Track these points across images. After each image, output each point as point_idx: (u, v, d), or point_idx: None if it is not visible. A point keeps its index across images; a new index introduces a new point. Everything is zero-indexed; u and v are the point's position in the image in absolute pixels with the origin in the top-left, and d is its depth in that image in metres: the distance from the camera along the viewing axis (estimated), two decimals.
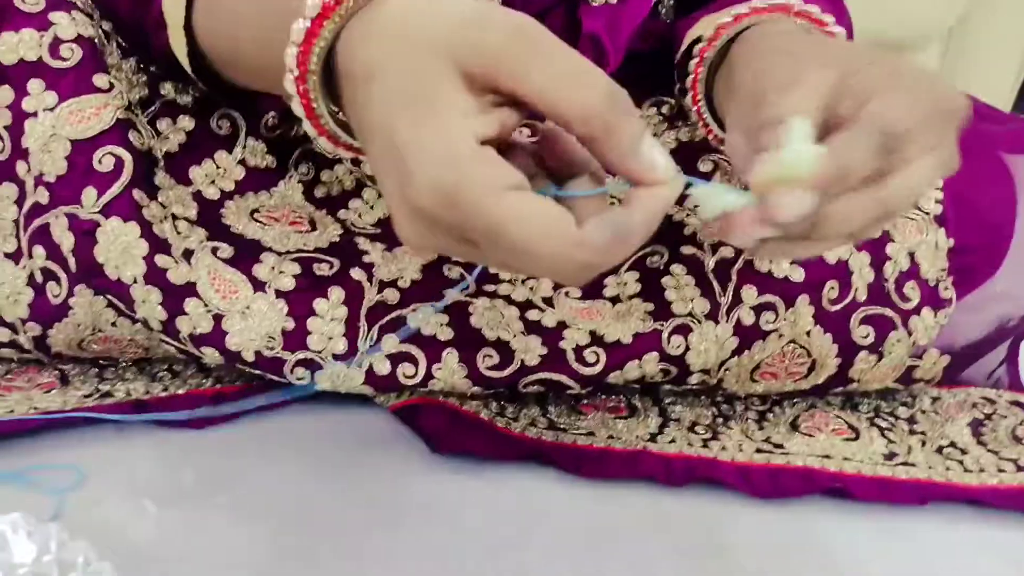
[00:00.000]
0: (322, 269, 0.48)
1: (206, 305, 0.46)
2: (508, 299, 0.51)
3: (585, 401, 0.55)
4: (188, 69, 0.43)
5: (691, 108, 0.51)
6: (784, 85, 0.35)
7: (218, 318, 0.46)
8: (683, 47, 0.53)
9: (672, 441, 0.52)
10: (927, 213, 0.54)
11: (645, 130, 0.29)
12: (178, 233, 0.47)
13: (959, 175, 0.55)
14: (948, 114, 0.35)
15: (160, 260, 0.46)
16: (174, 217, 0.48)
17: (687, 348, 0.50)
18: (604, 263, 0.29)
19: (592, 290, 0.52)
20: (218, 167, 0.51)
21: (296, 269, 0.48)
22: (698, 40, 0.49)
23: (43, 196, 0.45)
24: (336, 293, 0.48)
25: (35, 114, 0.46)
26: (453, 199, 0.27)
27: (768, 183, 0.32)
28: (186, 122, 0.51)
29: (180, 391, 0.52)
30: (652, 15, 0.62)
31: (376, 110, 0.29)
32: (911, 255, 0.53)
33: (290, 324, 0.47)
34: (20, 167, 0.46)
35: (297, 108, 0.32)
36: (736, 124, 0.39)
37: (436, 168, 0.27)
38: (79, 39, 0.47)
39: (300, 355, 0.47)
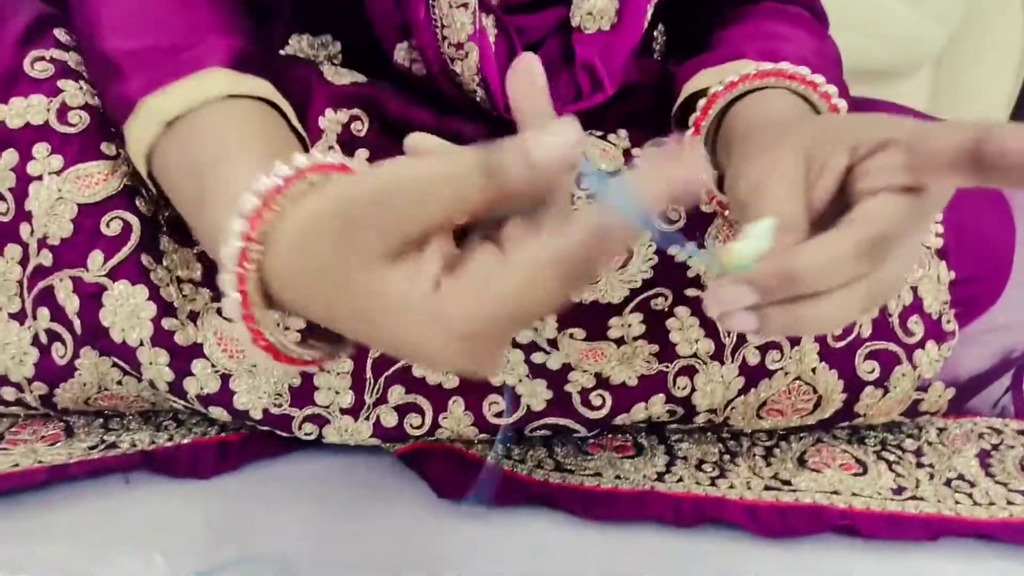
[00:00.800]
0: None
1: (213, 365, 0.46)
2: (512, 342, 0.51)
3: (592, 441, 0.55)
4: (153, 191, 0.43)
5: None
6: (756, 191, 0.36)
7: (225, 378, 0.46)
8: (681, 98, 0.53)
9: (680, 480, 0.52)
10: (928, 247, 0.54)
11: (523, 146, 0.28)
12: (183, 296, 0.47)
13: (958, 206, 0.55)
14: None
15: (167, 323, 0.46)
16: (179, 280, 0.48)
17: (693, 389, 0.50)
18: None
19: (596, 331, 0.52)
20: None
21: (300, 324, 0.48)
22: (700, 94, 0.49)
23: (46, 259, 0.46)
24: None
25: (40, 177, 0.46)
26: (471, 334, 0.28)
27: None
28: None
29: (185, 440, 0.52)
30: (647, 52, 0.63)
31: (349, 316, 0.30)
32: (914, 289, 0.53)
33: (297, 380, 0.47)
34: (24, 229, 0.47)
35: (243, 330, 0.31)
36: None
37: (433, 344, 0.28)
38: (87, 107, 0.48)
39: (308, 411, 0.47)
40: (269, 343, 0.32)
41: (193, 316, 0.47)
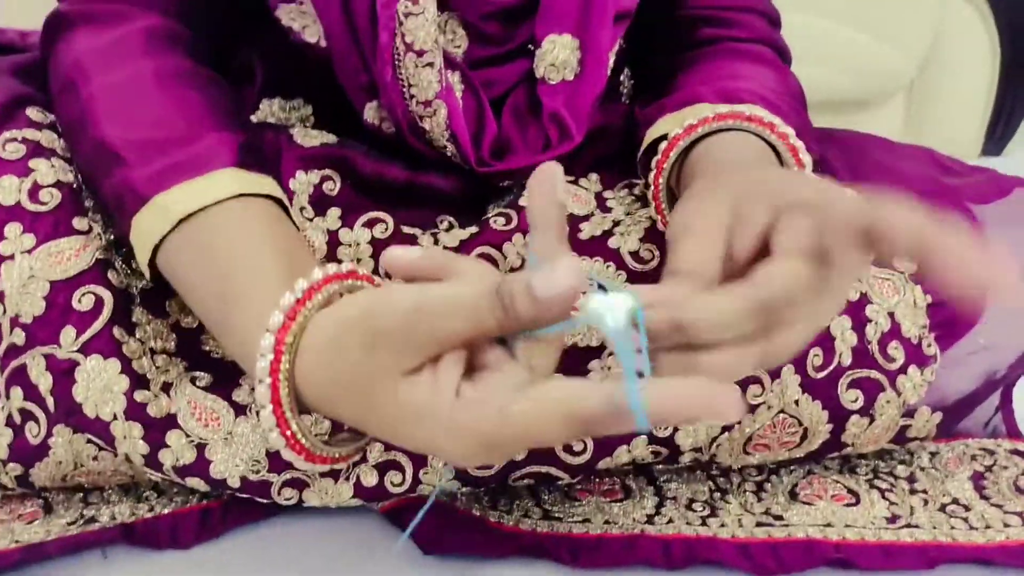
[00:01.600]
0: None
1: (188, 436, 0.46)
2: None
3: (579, 486, 0.54)
4: (148, 280, 0.45)
5: (651, 203, 0.51)
6: (681, 233, 0.37)
7: (201, 447, 0.46)
8: (644, 144, 0.54)
9: (670, 521, 0.51)
10: (902, 272, 0.54)
11: (527, 281, 0.30)
12: (156, 367, 0.47)
13: None
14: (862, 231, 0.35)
15: (140, 395, 0.45)
16: (152, 352, 0.48)
17: (675, 428, 0.50)
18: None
19: (576, 375, 0.51)
20: None
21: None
22: (661, 139, 0.50)
23: (19, 337, 0.45)
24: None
25: (11, 257, 0.46)
26: (485, 447, 0.31)
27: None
28: None
29: (166, 510, 0.51)
30: (614, 96, 0.64)
31: (374, 420, 0.34)
32: (891, 315, 0.53)
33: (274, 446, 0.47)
34: None
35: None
36: None
37: (451, 446, 0.32)
38: (58, 184, 0.48)
39: (287, 475, 0.47)
40: (302, 446, 0.35)
41: (166, 387, 0.46)
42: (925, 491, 0.55)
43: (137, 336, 0.47)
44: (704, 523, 0.51)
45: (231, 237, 0.41)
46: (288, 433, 0.34)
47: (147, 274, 0.44)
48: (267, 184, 0.44)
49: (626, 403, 0.28)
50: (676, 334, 0.32)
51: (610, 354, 0.51)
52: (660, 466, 0.54)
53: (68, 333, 0.45)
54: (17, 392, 0.46)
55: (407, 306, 0.31)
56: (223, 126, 0.46)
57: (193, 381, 0.47)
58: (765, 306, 0.33)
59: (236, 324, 0.38)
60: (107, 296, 0.46)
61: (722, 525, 0.51)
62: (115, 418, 0.45)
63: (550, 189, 0.33)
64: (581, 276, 0.30)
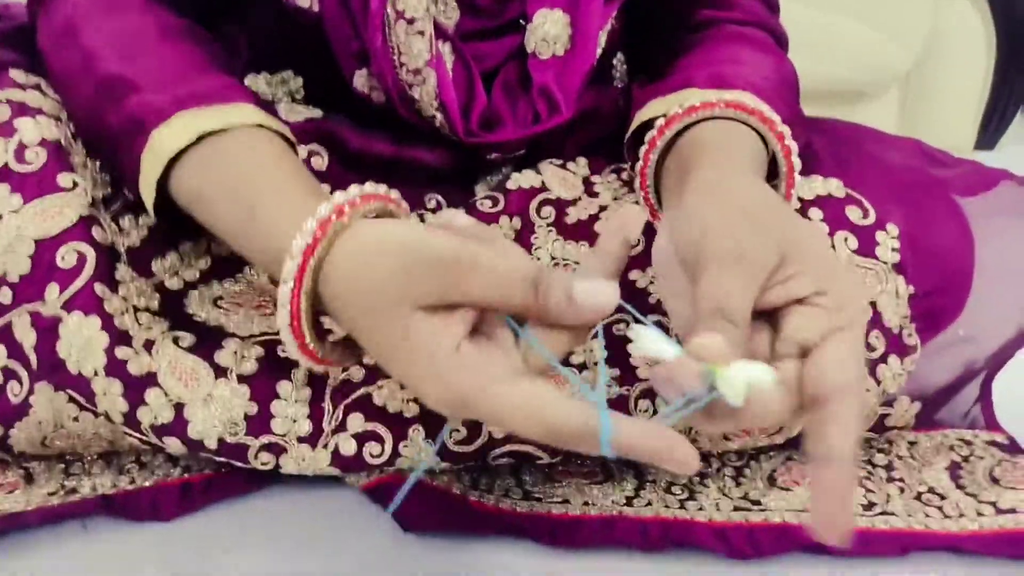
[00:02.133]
0: (286, 351, 0.48)
1: (167, 395, 0.46)
2: None
3: (560, 467, 0.55)
4: (151, 213, 0.45)
5: (639, 191, 0.51)
6: (727, 260, 0.35)
7: (179, 407, 0.46)
8: (632, 127, 0.54)
9: (648, 504, 0.52)
10: (885, 262, 0.54)
11: (571, 282, 0.33)
12: (139, 324, 0.47)
13: (915, 221, 0.57)
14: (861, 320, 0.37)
15: (120, 352, 0.45)
16: (135, 309, 0.48)
17: (655, 411, 0.50)
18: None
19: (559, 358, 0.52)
20: (182, 259, 0.51)
21: (259, 352, 0.48)
22: (648, 125, 0.50)
23: (6, 296, 0.46)
24: (300, 373, 0.48)
25: (1, 217, 0.46)
26: (457, 402, 0.33)
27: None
28: (147, 219, 0.51)
29: (147, 483, 0.51)
30: (607, 80, 0.64)
31: (369, 345, 0.36)
32: (872, 304, 0.53)
33: (253, 409, 0.47)
34: None
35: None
36: (670, 233, 0.39)
37: (433, 389, 0.33)
38: (43, 142, 0.48)
39: (264, 439, 0.47)
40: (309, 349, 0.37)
41: (148, 345, 0.47)
42: (902, 479, 0.55)
43: (120, 294, 0.47)
44: (682, 506, 0.52)
45: (258, 154, 0.43)
46: (294, 307, 0.36)
47: (150, 198, 0.44)
48: (282, 127, 0.45)
49: (598, 432, 0.31)
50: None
51: (595, 335, 0.51)
52: None
53: (52, 290, 0.45)
54: (1, 351, 0.46)
55: (449, 255, 0.33)
56: (231, 75, 0.47)
57: (176, 341, 0.47)
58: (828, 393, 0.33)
59: (263, 225, 0.39)
60: (90, 253, 0.46)
61: (700, 508, 0.52)
62: (96, 374, 0.45)
63: (631, 229, 0.35)
64: (616, 302, 0.33)
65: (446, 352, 0.33)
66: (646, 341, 0.33)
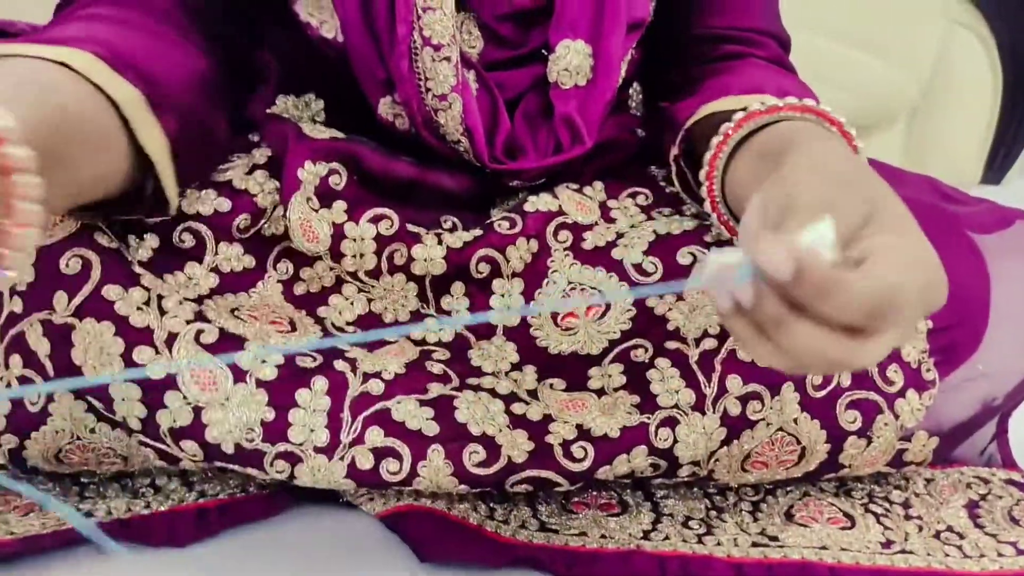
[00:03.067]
0: (305, 361, 0.48)
1: (185, 398, 0.46)
2: (492, 392, 0.51)
3: (576, 499, 0.54)
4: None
5: (702, 183, 0.50)
6: (818, 210, 0.34)
7: (197, 410, 0.46)
8: (697, 115, 0.52)
9: (666, 538, 0.51)
10: None
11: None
12: (164, 313, 0.47)
13: None
14: (931, 304, 0.35)
15: (138, 356, 0.45)
16: (160, 297, 0.47)
17: (675, 440, 0.50)
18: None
19: (577, 382, 0.52)
20: (190, 278, 0.51)
21: (279, 359, 0.48)
22: (717, 116, 0.49)
23: (17, 305, 0.46)
24: (319, 383, 0.47)
25: None
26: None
27: None
28: (152, 240, 0.50)
29: (163, 507, 0.51)
30: (623, 108, 0.64)
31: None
32: None
33: (270, 415, 0.47)
34: None
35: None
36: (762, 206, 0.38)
37: None
38: None
39: (281, 447, 0.47)
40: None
41: (169, 341, 0.46)
42: (920, 517, 0.55)
43: (143, 284, 0.47)
44: (700, 541, 0.52)
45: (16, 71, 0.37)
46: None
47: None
48: (120, 89, 0.40)
49: None
50: (817, 290, 0.31)
51: (613, 360, 0.51)
52: (657, 480, 0.54)
53: (60, 298, 0.45)
54: (16, 360, 0.46)
55: None
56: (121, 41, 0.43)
57: (198, 336, 0.47)
58: (888, 303, 0.31)
59: None
60: (95, 258, 0.46)
61: (718, 544, 0.51)
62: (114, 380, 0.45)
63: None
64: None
65: None
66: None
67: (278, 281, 0.53)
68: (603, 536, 0.51)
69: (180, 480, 0.53)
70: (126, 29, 0.46)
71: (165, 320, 0.47)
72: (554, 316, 0.52)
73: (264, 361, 0.47)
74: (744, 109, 0.47)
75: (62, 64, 0.38)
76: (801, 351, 0.32)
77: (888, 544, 0.52)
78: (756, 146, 0.46)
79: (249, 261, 0.52)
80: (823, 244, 0.32)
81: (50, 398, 0.46)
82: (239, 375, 0.47)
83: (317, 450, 0.47)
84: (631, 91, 0.65)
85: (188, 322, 0.47)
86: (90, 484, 0.52)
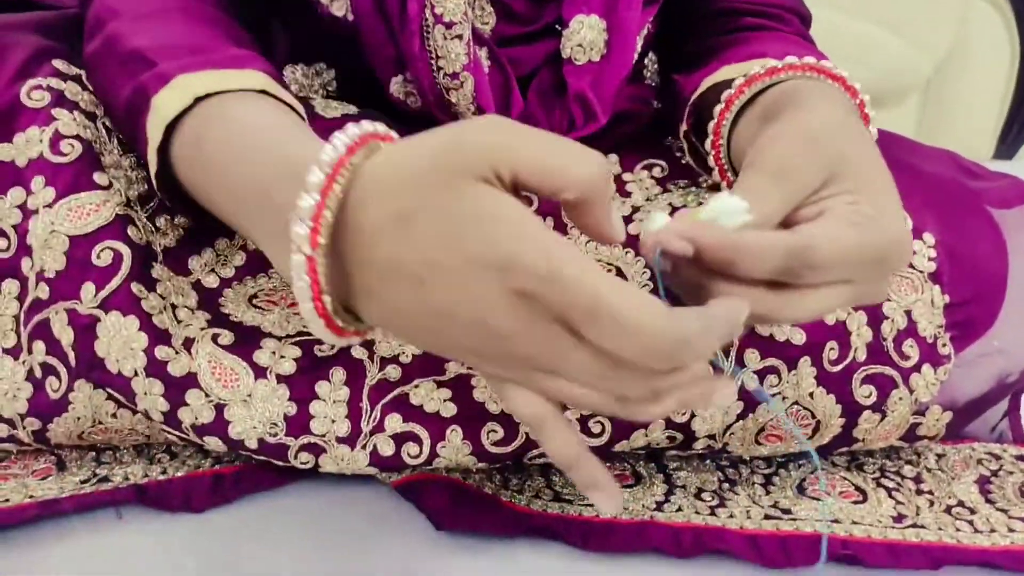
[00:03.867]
0: (323, 350, 0.48)
1: (207, 395, 0.46)
2: None
3: None
4: (156, 188, 0.44)
5: (710, 151, 0.51)
6: (769, 173, 0.37)
7: (220, 408, 0.46)
8: (701, 89, 0.52)
9: (679, 510, 0.52)
10: (921, 271, 0.54)
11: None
12: (178, 322, 0.47)
13: (950, 231, 0.56)
14: (883, 261, 0.36)
15: (160, 352, 0.45)
16: (173, 307, 0.47)
17: (692, 415, 0.50)
18: (683, 353, 0.30)
19: None
20: (218, 255, 0.51)
21: (296, 352, 0.48)
22: (720, 86, 0.49)
23: (43, 292, 0.45)
24: (338, 374, 0.48)
25: (36, 211, 0.46)
26: (558, 274, 0.29)
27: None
28: (184, 219, 0.51)
29: (179, 473, 0.51)
30: (637, 78, 0.63)
31: (431, 244, 0.30)
32: (907, 313, 0.53)
33: (292, 409, 0.47)
34: (25, 263, 0.46)
35: (302, 287, 0.32)
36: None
37: (538, 248, 0.29)
38: (79, 137, 0.48)
39: (304, 440, 0.47)
40: (326, 310, 0.33)
41: (188, 344, 0.46)
42: (931, 492, 0.55)
43: (158, 292, 0.47)
44: (713, 513, 0.52)
45: (262, 114, 0.40)
46: (317, 291, 0.32)
47: (154, 166, 0.42)
48: (293, 100, 0.43)
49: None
50: (722, 258, 0.33)
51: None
52: (671, 452, 0.54)
53: (88, 289, 0.45)
54: (39, 346, 0.46)
55: (500, 119, 0.32)
56: (254, 51, 0.46)
57: (215, 339, 0.47)
58: (798, 256, 0.33)
59: (272, 182, 0.35)
60: (126, 252, 0.46)
61: (731, 516, 0.52)
62: (136, 375, 0.45)
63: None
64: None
65: (537, 220, 0.30)
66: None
67: None
68: (625, 509, 0.51)
69: (196, 446, 0.53)
70: (217, 24, 0.47)
71: (180, 328, 0.47)
72: None
73: (282, 357, 0.47)
74: (745, 75, 0.47)
75: (262, 92, 0.41)
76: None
77: (900, 518, 0.52)
78: (759, 109, 0.46)
79: None
80: (731, 214, 0.34)
81: (70, 387, 0.46)
82: (259, 371, 0.47)
83: (339, 440, 0.47)
84: (646, 61, 0.64)
85: (202, 329, 0.47)
86: (106, 450, 0.52)
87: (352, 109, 0.57)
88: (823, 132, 0.38)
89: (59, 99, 0.49)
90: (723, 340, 0.31)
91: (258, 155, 0.37)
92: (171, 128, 0.41)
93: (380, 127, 0.33)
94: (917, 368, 0.53)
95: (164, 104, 0.40)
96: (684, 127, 0.54)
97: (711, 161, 0.51)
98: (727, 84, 0.48)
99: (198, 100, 0.40)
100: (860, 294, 0.37)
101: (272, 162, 0.36)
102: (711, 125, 0.49)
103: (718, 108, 0.48)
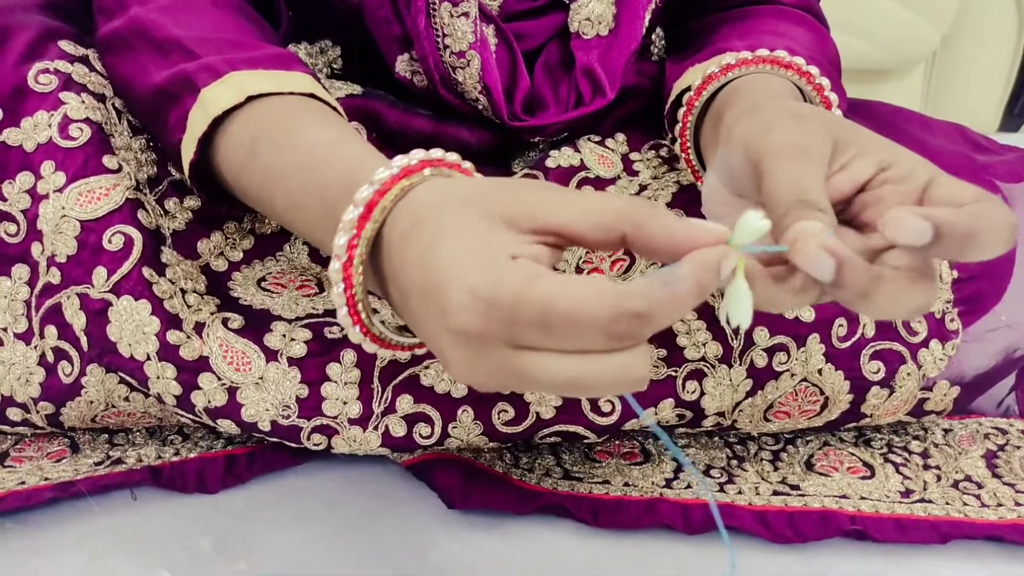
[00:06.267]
0: (333, 332, 0.48)
1: (220, 379, 0.46)
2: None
3: (599, 448, 0.55)
4: (186, 176, 0.44)
5: (680, 155, 0.51)
6: (792, 154, 0.34)
7: (232, 391, 0.46)
8: (671, 97, 0.53)
9: (688, 487, 0.52)
10: None
11: (673, 214, 0.30)
12: (188, 307, 0.47)
13: None
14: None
15: (172, 336, 0.45)
16: (183, 292, 0.48)
17: (702, 393, 0.50)
18: (656, 313, 0.28)
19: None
20: (227, 237, 0.51)
21: (307, 335, 0.48)
22: (687, 90, 0.50)
23: (55, 276, 0.45)
24: (348, 356, 0.48)
25: (47, 196, 0.46)
26: (493, 299, 0.28)
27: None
28: (192, 202, 0.51)
29: (192, 455, 0.52)
30: (645, 55, 0.63)
31: (414, 257, 0.31)
32: None
33: (304, 391, 0.47)
34: (35, 248, 0.46)
35: (339, 297, 0.33)
36: (720, 168, 0.39)
37: (472, 277, 0.28)
38: (87, 121, 0.48)
39: (316, 422, 0.47)
40: (366, 327, 0.34)
41: (199, 328, 0.47)
42: (938, 467, 0.56)
43: (168, 276, 0.47)
44: (722, 490, 0.52)
45: (314, 114, 0.41)
46: (353, 302, 0.33)
47: (189, 156, 0.43)
48: (335, 103, 0.44)
49: (680, 284, 0.28)
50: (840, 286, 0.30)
51: None
52: (680, 430, 0.54)
53: (99, 273, 0.45)
54: (51, 331, 0.46)
55: (542, 183, 0.32)
56: (291, 52, 0.47)
57: (225, 323, 0.47)
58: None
59: (333, 166, 0.37)
60: (136, 236, 0.46)
61: (739, 492, 0.52)
62: (148, 359, 0.45)
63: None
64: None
65: (499, 245, 0.29)
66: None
67: (304, 243, 0.53)
68: (626, 484, 0.52)
69: (209, 429, 0.53)
70: (240, 12, 0.48)
71: (191, 313, 0.47)
72: (579, 269, 0.52)
73: (292, 339, 0.47)
74: (703, 76, 0.48)
75: (310, 96, 0.43)
76: (890, 308, 0.31)
77: (907, 493, 0.53)
78: (714, 108, 0.47)
79: (277, 225, 0.52)
80: (750, 229, 0.30)
81: (82, 372, 0.46)
82: (271, 354, 0.47)
83: (351, 421, 0.47)
84: (654, 36, 0.64)
85: (212, 313, 0.47)
86: (119, 432, 0.53)
87: (357, 89, 0.56)
88: (807, 112, 0.37)
89: (67, 82, 0.48)
90: (699, 295, 0.29)
91: (319, 167, 0.37)
92: (217, 123, 0.42)
93: (452, 156, 0.35)
94: (925, 343, 0.53)
95: (216, 99, 0.42)
96: (669, 134, 0.54)
97: (682, 163, 0.52)
98: (690, 88, 0.49)
99: (249, 99, 0.41)
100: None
101: (336, 179, 0.36)
102: (677, 128, 0.50)
103: (681, 111, 0.49)
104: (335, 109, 0.44)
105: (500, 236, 0.29)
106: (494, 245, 0.29)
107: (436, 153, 0.34)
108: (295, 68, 0.44)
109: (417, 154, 0.33)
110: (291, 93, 0.42)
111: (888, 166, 0.34)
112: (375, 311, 0.35)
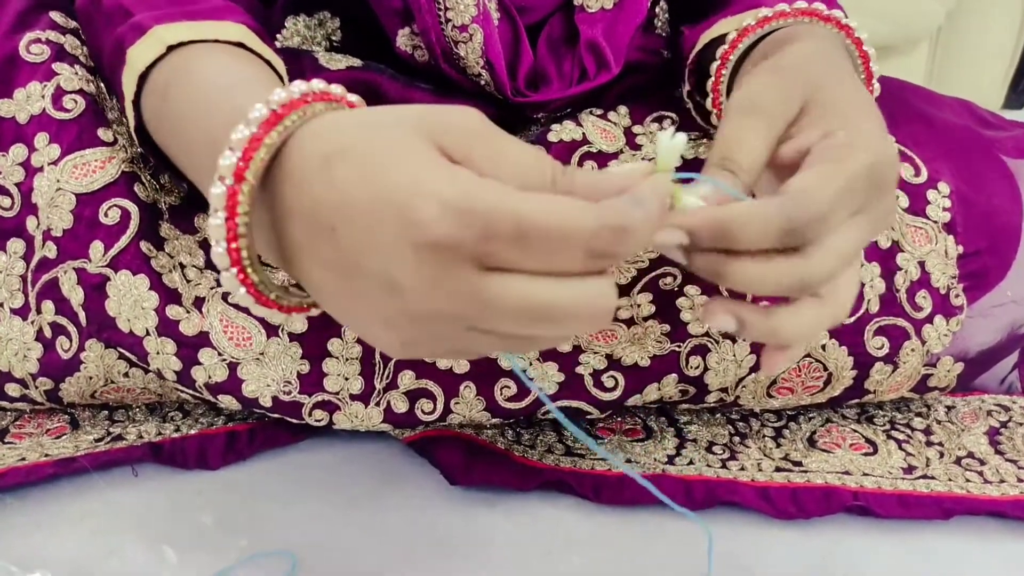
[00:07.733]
0: None
1: (220, 354, 0.46)
2: None
3: (601, 424, 0.55)
4: (136, 142, 0.42)
5: (712, 111, 0.50)
6: (741, 111, 0.36)
7: (233, 366, 0.46)
8: (699, 46, 0.52)
9: (690, 463, 0.52)
10: (935, 221, 0.54)
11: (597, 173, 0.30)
12: (187, 281, 0.47)
13: (964, 180, 0.56)
14: (876, 183, 0.34)
15: (171, 311, 0.45)
16: (182, 266, 0.47)
17: (705, 368, 0.50)
18: (634, 229, 0.27)
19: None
20: None
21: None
22: (717, 41, 0.48)
23: (51, 251, 0.45)
24: (350, 331, 0.47)
25: (41, 169, 0.45)
26: (470, 209, 0.26)
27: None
28: None
29: (192, 431, 0.51)
30: (648, 28, 0.62)
31: (352, 179, 0.28)
32: (921, 264, 0.53)
33: (305, 367, 0.47)
34: (30, 222, 0.46)
35: (217, 224, 0.29)
36: None
37: (444, 189, 0.26)
38: (82, 92, 0.47)
39: (318, 397, 0.47)
40: (252, 282, 0.31)
41: (198, 303, 0.46)
42: (941, 444, 0.55)
43: (166, 251, 0.47)
44: (724, 466, 0.52)
45: (227, 67, 0.37)
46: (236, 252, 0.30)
47: (132, 120, 0.40)
48: (271, 54, 0.41)
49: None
50: (717, 236, 0.32)
51: (642, 290, 0.51)
52: (682, 406, 0.54)
53: (96, 247, 0.45)
54: (48, 306, 0.45)
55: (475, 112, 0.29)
56: (240, 9, 0.44)
57: (225, 298, 0.47)
58: (794, 208, 0.31)
59: (207, 131, 0.34)
60: (133, 210, 0.46)
61: (742, 468, 0.52)
62: (148, 334, 0.45)
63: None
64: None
65: (465, 172, 0.27)
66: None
67: None
68: (628, 461, 0.52)
69: (209, 405, 0.53)
70: None
71: (190, 288, 0.46)
72: None
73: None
74: (738, 29, 0.46)
75: (239, 44, 0.40)
76: (752, 284, 0.32)
77: (910, 469, 0.53)
78: (754, 59, 0.45)
79: None
80: (673, 148, 0.31)
81: (81, 347, 0.46)
82: (271, 330, 0.46)
83: (353, 397, 0.47)
84: (657, 10, 0.63)
85: (211, 288, 0.47)
86: (119, 408, 0.52)
87: (356, 62, 0.55)
88: (790, 62, 0.38)
89: (59, 53, 0.48)
90: (660, 218, 0.29)
91: (214, 108, 0.34)
92: (144, 80, 0.39)
93: (354, 97, 0.32)
94: (930, 319, 0.53)
95: (137, 56, 0.39)
96: (687, 87, 0.53)
97: (714, 119, 0.50)
98: (723, 39, 0.48)
99: (171, 50, 0.38)
100: (875, 220, 0.35)
101: (225, 113, 0.33)
102: (709, 83, 0.48)
103: (714, 65, 0.47)
104: (268, 62, 0.41)
105: (439, 157, 0.28)
106: (444, 162, 0.27)
107: (318, 85, 0.31)
108: (229, 18, 0.41)
109: (305, 86, 0.31)
110: (216, 41, 0.39)
111: (832, 134, 0.34)
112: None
